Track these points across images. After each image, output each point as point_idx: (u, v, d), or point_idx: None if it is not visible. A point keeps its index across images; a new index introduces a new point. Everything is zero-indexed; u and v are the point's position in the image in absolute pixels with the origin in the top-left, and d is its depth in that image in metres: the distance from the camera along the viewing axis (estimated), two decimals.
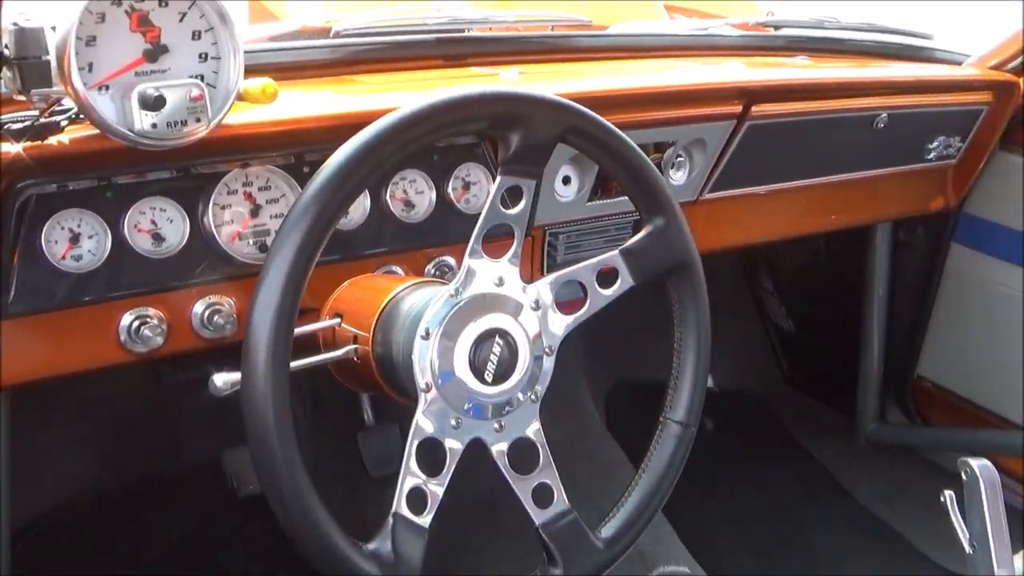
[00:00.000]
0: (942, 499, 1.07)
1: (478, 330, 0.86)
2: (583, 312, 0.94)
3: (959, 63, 1.82)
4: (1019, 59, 1.77)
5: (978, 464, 1.02)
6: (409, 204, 1.16)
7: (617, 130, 0.95)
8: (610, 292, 0.95)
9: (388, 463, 1.51)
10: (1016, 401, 1.94)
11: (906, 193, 1.85)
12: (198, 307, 1.03)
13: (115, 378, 1.65)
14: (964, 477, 1.03)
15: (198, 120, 0.88)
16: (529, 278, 0.93)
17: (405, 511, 0.81)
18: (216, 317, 1.03)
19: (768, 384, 2.45)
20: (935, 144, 1.76)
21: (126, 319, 0.99)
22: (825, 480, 2.15)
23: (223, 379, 0.82)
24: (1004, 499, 1.02)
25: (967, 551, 1.02)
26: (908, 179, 1.80)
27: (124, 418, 1.71)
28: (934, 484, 2.00)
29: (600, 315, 1.90)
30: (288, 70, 1.20)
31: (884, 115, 1.60)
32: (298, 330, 0.88)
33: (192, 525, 1.70)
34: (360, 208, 1.12)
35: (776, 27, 1.76)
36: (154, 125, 0.86)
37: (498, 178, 0.89)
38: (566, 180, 1.32)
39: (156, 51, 0.87)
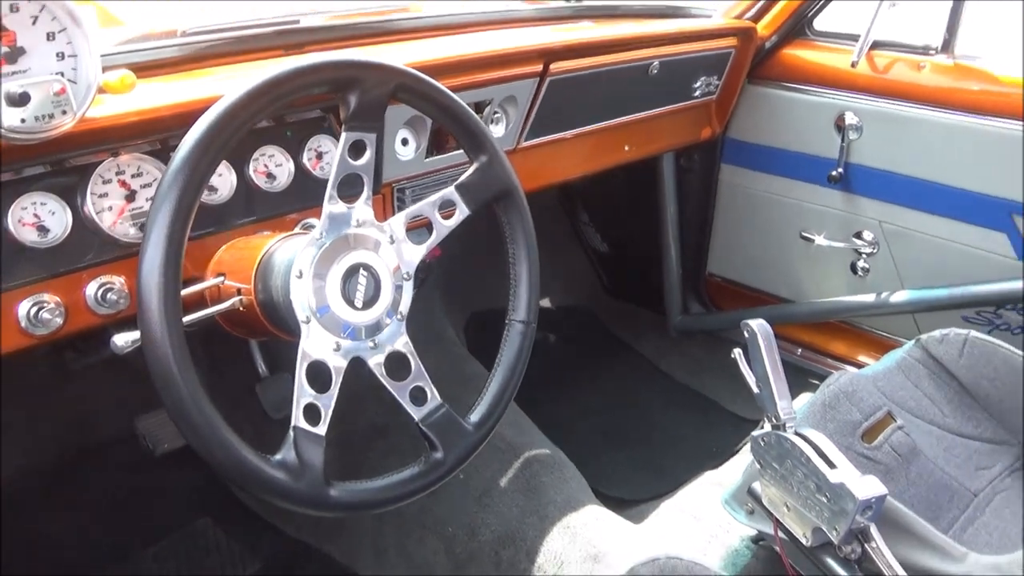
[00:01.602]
0: (733, 356, 1.15)
1: (345, 266, 0.87)
2: (431, 241, 0.95)
3: (709, 16, 1.91)
4: (753, 9, 1.88)
5: (755, 323, 1.10)
6: (271, 176, 1.14)
7: (439, 84, 0.96)
8: (451, 222, 0.96)
9: (284, 405, 1.49)
10: (785, 281, 2.10)
11: (681, 126, 1.93)
12: (90, 288, 0.98)
13: (23, 371, 1.55)
14: (746, 335, 1.11)
15: (64, 113, 0.83)
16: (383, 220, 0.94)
17: (303, 424, 0.81)
18: (109, 294, 0.99)
19: (594, 298, 2.53)
20: (698, 84, 1.85)
21: (24, 306, 0.93)
22: (648, 367, 2.25)
23: (123, 338, 0.79)
24: (781, 356, 1.11)
25: (755, 391, 1.10)
26: (681, 115, 1.89)
27: (36, 404, 1.61)
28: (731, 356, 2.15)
29: (453, 262, 1.91)
30: (142, 69, 1.14)
31: (656, 63, 1.68)
32: (187, 290, 0.86)
33: (115, 487, 1.63)
34: (227, 184, 1.09)
35: None
36: (23, 120, 0.81)
37: (343, 134, 0.89)
38: (404, 142, 1.32)
39: (14, 53, 0.81)
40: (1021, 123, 1.59)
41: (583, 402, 2.08)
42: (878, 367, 1.48)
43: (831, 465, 0.98)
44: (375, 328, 0.89)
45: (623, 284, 2.52)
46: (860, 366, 1.54)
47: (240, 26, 1.29)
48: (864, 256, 1.90)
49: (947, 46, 1.70)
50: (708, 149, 2.07)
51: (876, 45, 1.77)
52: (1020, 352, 1.42)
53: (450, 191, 0.97)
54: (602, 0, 1.81)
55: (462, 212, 0.97)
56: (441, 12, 1.54)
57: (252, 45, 1.28)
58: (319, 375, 0.85)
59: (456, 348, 1.93)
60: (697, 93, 1.86)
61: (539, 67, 1.45)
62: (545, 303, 2.44)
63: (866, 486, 0.94)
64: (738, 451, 1.82)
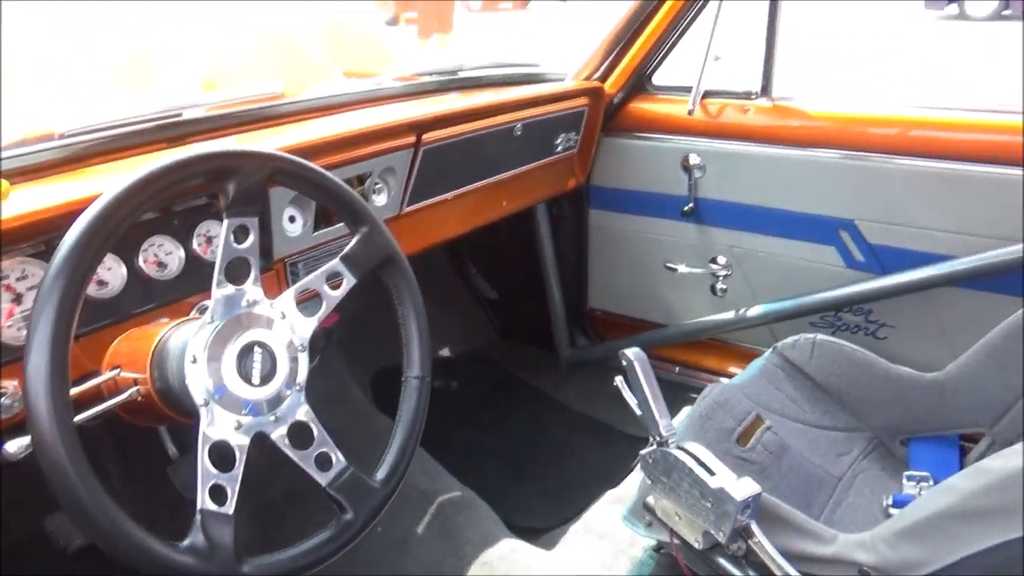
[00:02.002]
0: (616, 384, 1.16)
1: (239, 346, 0.84)
2: (322, 312, 0.93)
3: (562, 79, 1.98)
4: (600, 70, 1.96)
5: (631, 352, 1.12)
6: (162, 264, 1.09)
7: (314, 165, 0.95)
8: (339, 292, 0.95)
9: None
10: (658, 308, 2.15)
11: (549, 179, 1.98)
12: None
13: None
14: (624, 364, 1.13)
15: None
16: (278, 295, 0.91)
17: (209, 505, 0.77)
18: (3, 399, 0.92)
19: (490, 342, 2.53)
20: (559, 140, 1.90)
21: None
22: (546, 401, 2.25)
23: (15, 444, 0.74)
24: (660, 375, 1.13)
25: (638, 414, 1.12)
26: (548, 169, 1.93)
27: None
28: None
29: (356, 322, 1.88)
30: (21, 174, 1.08)
31: (519, 125, 1.72)
32: (82, 386, 0.81)
33: None
34: (118, 277, 1.04)
35: (428, 75, 1.82)
36: None
37: (225, 220, 0.86)
38: (292, 219, 1.30)
39: None
40: (835, 151, 1.71)
41: (489, 441, 2.06)
42: (744, 376, 1.53)
43: (711, 472, 1.00)
44: (275, 401, 0.86)
45: (515, 326, 2.53)
46: (730, 376, 1.60)
47: (120, 124, 1.24)
48: (721, 278, 1.98)
49: (765, 90, 1.82)
50: (576, 197, 2.12)
51: (707, 94, 1.87)
52: (860, 348, 1.51)
53: (336, 263, 0.95)
54: (463, 71, 1.85)
55: (349, 281, 0.96)
56: (317, 95, 1.54)
57: (134, 141, 1.24)
58: (223, 455, 0.81)
59: (362, 406, 1.88)
60: (559, 148, 1.91)
61: (412, 139, 1.46)
62: (445, 352, 2.42)
63: (742, 487, 0.97)
64: (633, 468, 1.84)
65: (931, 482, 1.39)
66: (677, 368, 2.14)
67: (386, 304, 1.03)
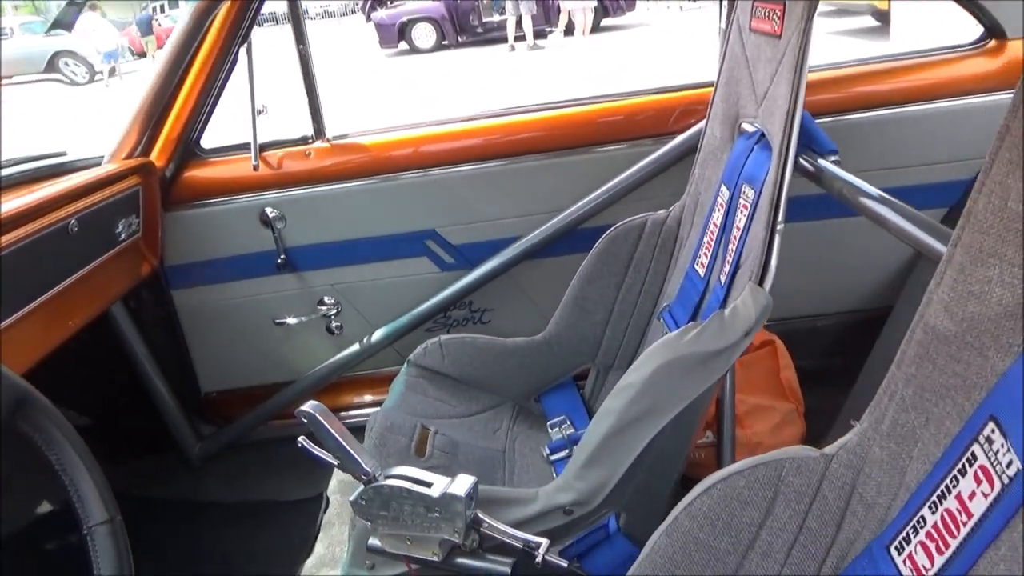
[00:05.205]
0: (300, 444, 1.10)
1: None
2: None
3: (99, 163, 1.77)
4: (140, 146, 1.80)
5: (308, 406, 1.06)
6: None
7: None
8: None
9: None
10: (280, 368, 2.08)
11: (120, 273, 1.76)
12: None
13: None
14: (307, 421, 1.07)
15: None
16: None
17: None
18: None
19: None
20: (121, 228, 1.71)
21: None
22: (188, 508, 2.00)
23: None
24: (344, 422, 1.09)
25: (335, 463, 1.08)
26: (115, 261, 1.71)
27: None
28: (273, 450, 2.03)
29: None
30: None
31: (73, 220, 1.50)
32: None
33: None
34: None
35: None
36: None
37: None
38: None
39: None
40: (402, 174, 1.87)
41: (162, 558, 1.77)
42: (394, 396, 1.60)
43: (427, 484, 1.04)
44: None
45: (126, 445, 2.19)
46: (380, 404, 1.63)
47: None
48: (332, 317, 2.01)
49: (319, 133, 1.89)
50: (153, 283, 1.94)
51: (265, 147, 1.87)
52: (480, 336, 1.68)
53: None
54: None
55: None
56: None
57: None
58: None
59: None
60: (123, 237, 1.72)
61: None
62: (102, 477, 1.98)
63: (462, 483, 1.02)
64: (318, 531, 1.77)
65: (568, 422, 1.63)
66: None
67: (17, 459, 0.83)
